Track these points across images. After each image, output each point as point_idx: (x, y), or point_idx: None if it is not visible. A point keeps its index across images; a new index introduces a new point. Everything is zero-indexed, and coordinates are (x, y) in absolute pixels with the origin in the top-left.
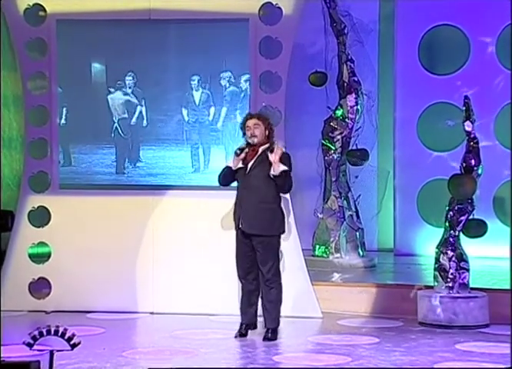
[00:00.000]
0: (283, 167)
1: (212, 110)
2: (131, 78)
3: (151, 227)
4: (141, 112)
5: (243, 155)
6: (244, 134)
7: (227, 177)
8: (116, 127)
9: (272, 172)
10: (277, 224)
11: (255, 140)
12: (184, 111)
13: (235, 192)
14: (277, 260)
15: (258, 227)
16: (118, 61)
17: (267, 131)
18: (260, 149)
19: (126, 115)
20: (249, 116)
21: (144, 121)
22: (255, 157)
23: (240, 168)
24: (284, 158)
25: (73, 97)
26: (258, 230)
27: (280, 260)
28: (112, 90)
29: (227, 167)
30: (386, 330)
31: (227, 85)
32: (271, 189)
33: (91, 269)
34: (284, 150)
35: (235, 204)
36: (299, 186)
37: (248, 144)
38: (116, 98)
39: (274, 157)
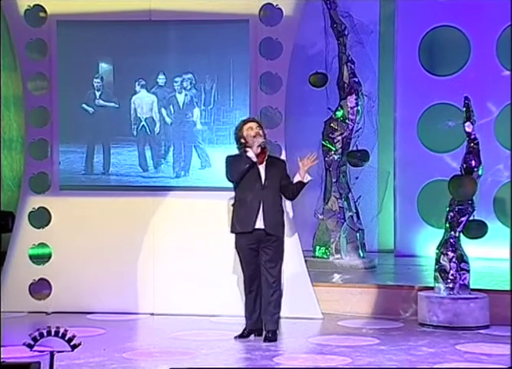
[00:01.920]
0: (309, 177)
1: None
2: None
3: (152, 228)
4: (160, 113)
5: (259, 149)
6: (239, 138)
7: (244, 172)
8: (143, 126)
9: (301, 178)
10: (284, 226)
11: (261, 140)
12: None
13: (234, 193)
14: (282, 262)
15: (276, 228)
16: (117, 62)
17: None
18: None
19: (150, 115)
20: (248, 119)
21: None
22: (266, 160)
23: (250, 167)
24: (284, 169)
25: (74, 97)
26: (276, 230)
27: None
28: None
29: (247, 159)
30: (386, 331)
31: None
32: (279, 193)
33: (92, 270)
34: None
35: (241, 206)
36: None
37: (244, 152)
38: (143, 97)
39: (307, 164)
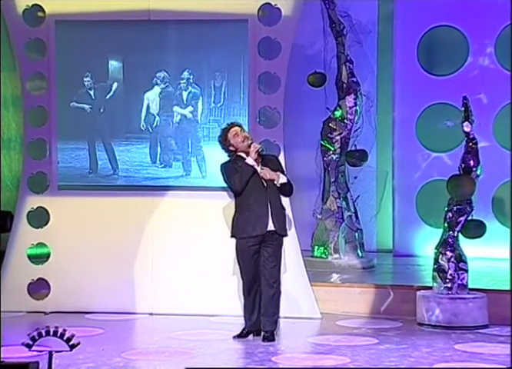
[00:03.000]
0: (284, 178)
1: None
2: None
3: (150, 228)
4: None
5: (257, 155)
6: (228, 146)
7: (248, 181)
8: (158, 121)
9: (277, 183)
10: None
11: (257, 145)
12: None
13: (235, 198)
14: (281, 261)
15: (284, 227)
16: (115, 61)
17: None
18: None
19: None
20: (229, 126)
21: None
22: (261, 161)
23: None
24: (279, 164)
25: (72, 97)
26: (284, 230)
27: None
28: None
29: (249, 167)
30: (385, 331)
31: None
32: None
33: (90, 270)
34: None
35: (246, 210)
36: (298, 187)
37: (236, 157)
38: (156, 93)
39: (269, 174)
